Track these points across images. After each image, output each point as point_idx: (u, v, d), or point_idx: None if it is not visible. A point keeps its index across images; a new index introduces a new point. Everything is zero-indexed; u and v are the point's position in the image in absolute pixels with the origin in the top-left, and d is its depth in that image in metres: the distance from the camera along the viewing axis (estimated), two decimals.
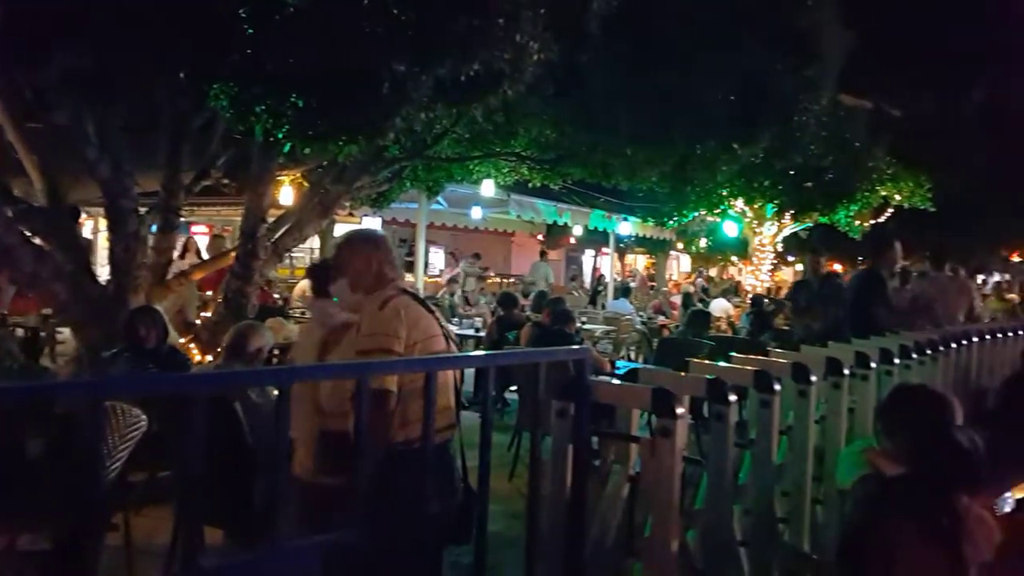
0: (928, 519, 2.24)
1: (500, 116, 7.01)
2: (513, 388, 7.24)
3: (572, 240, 19.49)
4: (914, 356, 4.38)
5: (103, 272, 6.53)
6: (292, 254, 11.70)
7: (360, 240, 3.21)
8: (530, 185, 9.41)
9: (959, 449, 2.37)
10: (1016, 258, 23.72)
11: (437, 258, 17.77)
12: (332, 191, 6.91)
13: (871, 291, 6.08)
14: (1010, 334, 6.40)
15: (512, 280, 17.30)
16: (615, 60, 6.72)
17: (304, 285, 11.17)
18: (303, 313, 10.09)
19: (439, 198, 11.13)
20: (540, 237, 19.52)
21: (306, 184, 7.50)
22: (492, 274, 17.43)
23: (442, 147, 7.24)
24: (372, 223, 12.69)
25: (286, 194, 7.86)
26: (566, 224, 13.60)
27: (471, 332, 9.66)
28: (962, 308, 7.40)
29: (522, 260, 20.47)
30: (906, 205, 13.94)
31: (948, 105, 19.54)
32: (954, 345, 5.14)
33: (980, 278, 20.43)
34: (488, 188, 10.02)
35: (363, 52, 4.51)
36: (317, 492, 2.79)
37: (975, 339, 5.65)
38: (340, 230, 11.46)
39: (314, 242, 10.75)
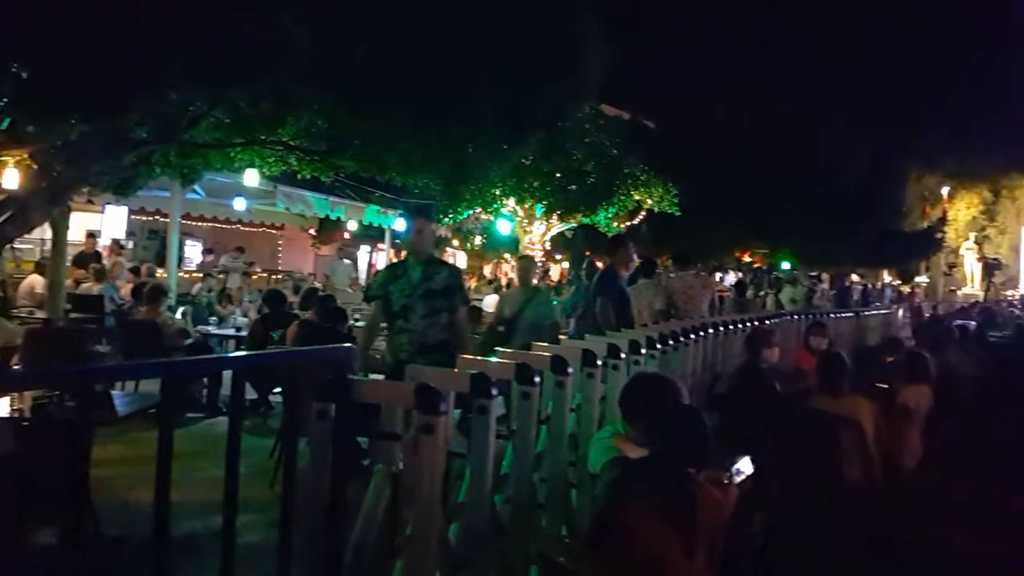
0: (664, 498, 2.43)
1: (266, 102, 6.64)
2: (279, 390, 6.91)
3: (346, 235, 19.09)
4: (658, 346, 4.76)
5: None
6: (17, 246, 10.33)
7: None
8: (299, 177, 9.03)
9: (690, 430, 2.60)
10: (747, 258, 26.83)
11: (194, 251, 16.56)
12: (65, 175, 6.13)
13: (608, 284, 6.66)
14: (740, 326, 7.19)
15: (280, 276, 16.59)
16: (390, 54, 6.63)
17: (33, 280, 9.88)
18: (31, 312, 8.93)
19: (196, 187, 10.35)
20: (312, 231, 18.90)
21: (34, 166, 6.61)
22: (258, 269, 16.58)
23: (199, 131, 6.71)
24: (116, 213, 11.52)
25: (10, 177, 6.88)
26: (339, 219, 13.27)
27: (231, 332, 9.09)
28: (706, 302, 8.32)
29: (292, 255, 19.69)
30: (656, 209, 15.20)
31: (692, 119, 21.75)
32: (693, 336, 5.67)
33: (718, 276, 22.88)
34: (252, 178, 9.48)
35: (103, 19, 4.05)
36: None
37: (711, 331, 6.27)
38: (77, 219, 10.28)
39: (45, 232, 9.52)
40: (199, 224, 15.72)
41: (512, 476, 3.21)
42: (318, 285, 13.28)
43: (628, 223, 15.68)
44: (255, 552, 2.89)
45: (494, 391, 2.86)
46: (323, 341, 5.58)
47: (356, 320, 10.20)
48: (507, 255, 19.17)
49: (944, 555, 4.54)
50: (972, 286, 33.43)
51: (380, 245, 17.98)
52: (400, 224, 13.74)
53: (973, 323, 13.65)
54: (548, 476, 3.43)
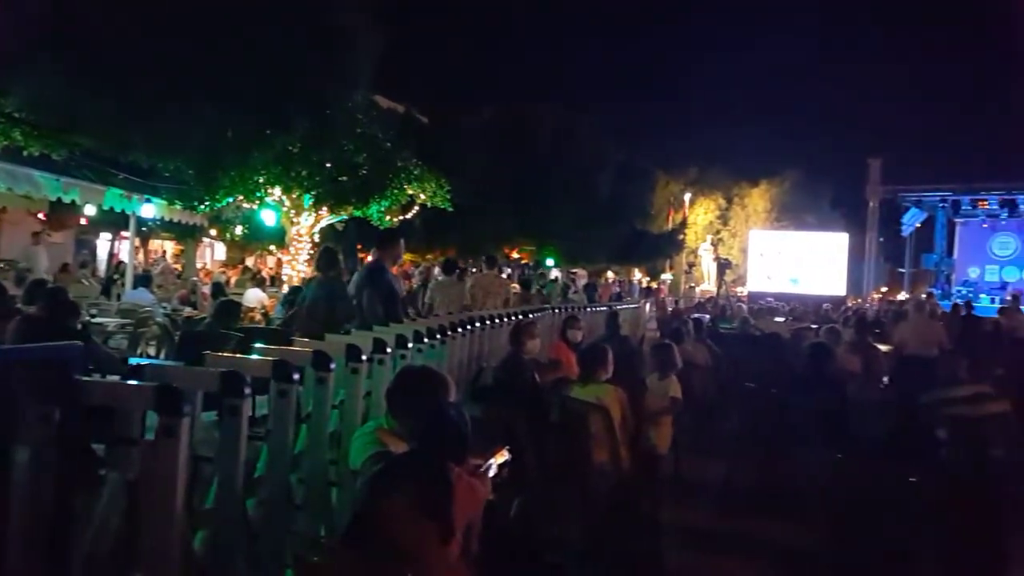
0: (423, 491, 2.45)
1: None
2: None
3: (83, 221, 17.14)
4: (426, 341, 4.79)
5: None
6: None
7: None
8: (26, 153, 7.95)
9: (451, 425, 2.64)
10: (516, 255, 27.94)
11: None
12: None
13: (373, 280, 6.56)
14: (506, 319, 7.45)
15: (1, 265, 14.55)
16: (132, 22, 6.03)
17: None
18: None
19: None
20: (41, 215, 16.74)
21: None
22: None
23: None
24: None
25: None
26: (74, 202, 11.84)
27: None
28: (501, 298, 9.42)
29: (15, 242, 17.35)
30: (430, 204, 15.29)
31: (463, 117, 22.25)
32: (460, 330, 5.77)
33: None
34: None
35: None
36: None
37: (479, 324, 6.42)
38: None
39: None
40: None
41: (267, 478, 3.07)
42: (47, 277, 11.82)
43: (401, 217, 15.62)
44: None
45: (247, 390, 2.72)
46: (49, 339, 4.93)
47: (93, 316, 9.26)
48: (272, 247, 18.30)
49: (678, 528, 5.04)
50: (708, 283, 37.42)
51: (124, 233, 16.40)
52: (148, 210, 12.60)
53: (707, 316, 15.23)
54: (307, 476, 3.32)
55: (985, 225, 30.05)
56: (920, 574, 3.44)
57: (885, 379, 8.51)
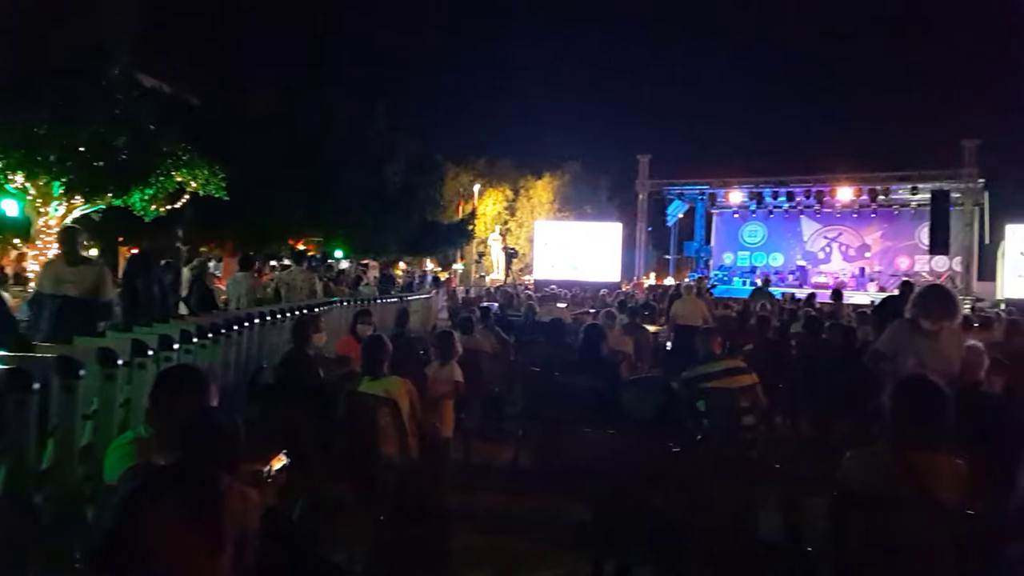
0: (188, 504, 2.26)
1: None
2: None
3: None
4: (195, 340, 4.46)
5: None
6: None
7: None
8: None
9: (218, 430, 2.46)
10: (302, 246, 26.88)
11: None
12: None
13: (148, 268, 6.02)
14: (288, 315, 7.16)
15: None
16: None
17: None
18: None
19: None
20: None
21: None
22: None
23: None
24: None
25: None
26: None
27: None
28: (307, 290, 9.68)
29: None
30: (202, 192, 14.28)
31: (243, 101, 20.98)
32: (236, 328, 5.45)
33: (272, 263, 22.58)
34: None
35: None
36: None
37: (256, 321, 6.11)
38: None
39: None
40: None
41: (2, 498, 2.71)
42: None
43: (169, 207, 14.45)
44: None
45: None
46: None
47: None
48: (16, 240, 16.21)
49: (467, 513, 5.13)
50: (497, 272, 38.46)
51: None
52: None
53: (496, 304, 15.60)
54: (55, 494, 2.97)
55: (736, 215, 33.42)
56: (681, 538, 3.75)
57: (668, 345, 10.56)
